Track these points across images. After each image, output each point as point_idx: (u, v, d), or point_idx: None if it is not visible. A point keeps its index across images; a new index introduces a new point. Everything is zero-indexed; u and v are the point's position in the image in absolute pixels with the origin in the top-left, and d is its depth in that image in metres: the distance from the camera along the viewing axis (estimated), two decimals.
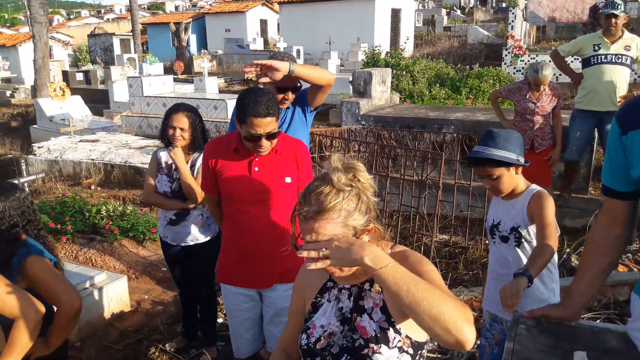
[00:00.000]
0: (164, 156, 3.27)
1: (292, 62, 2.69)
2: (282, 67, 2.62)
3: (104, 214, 5.76)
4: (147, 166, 7.36)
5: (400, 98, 9.66)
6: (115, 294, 4.33)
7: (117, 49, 25.59)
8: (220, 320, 3.91)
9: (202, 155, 2.91)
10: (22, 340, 2.15)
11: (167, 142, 3.16)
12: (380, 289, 1.39)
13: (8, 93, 20.31)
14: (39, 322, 2.17)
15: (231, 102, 9.64)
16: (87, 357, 3.63)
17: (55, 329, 2.36)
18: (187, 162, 3.16)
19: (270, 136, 2.37)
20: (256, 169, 2.47)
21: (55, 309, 2.37)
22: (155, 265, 5.29)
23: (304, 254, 1.35)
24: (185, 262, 3.42)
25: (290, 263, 2.55)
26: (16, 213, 2.35)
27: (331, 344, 1.48)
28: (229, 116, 9.56)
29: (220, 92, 12.03)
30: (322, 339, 1.50)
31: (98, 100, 15.30)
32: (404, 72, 11.69)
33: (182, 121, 3.09)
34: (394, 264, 1.28)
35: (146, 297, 4.74)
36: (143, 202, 4.46)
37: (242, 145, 2.46)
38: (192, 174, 3.16)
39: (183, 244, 3.32)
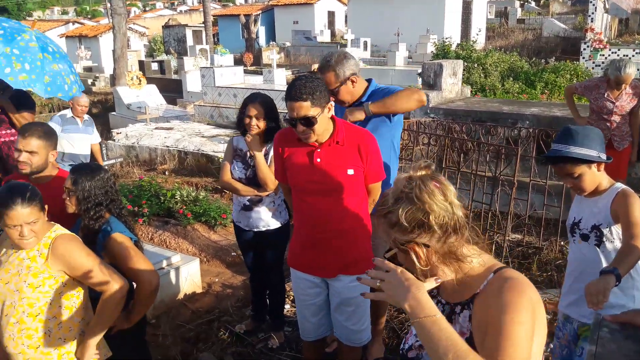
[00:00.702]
0: (240, 143, 3.36)
1: (366, 106, 2.80)
2: (360, 117, 2.74)
3: (178, 198, 6.01)
4: (218, 154, 7.60)
5: (472, 91, 9.41)
6: (188, 275, 4.52)
7: (189, 40, 26.49)
8: (287, 307, 3.99)
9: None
10: (109, 312, 2.29)
11: (243, 130, 3.24)
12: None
13: (90, 81, 21.56)
14: (123, 296, 2.31)
15: None
16: (162, 334, 3.81)
17: (135, 305, 2.50)
18: (261, 151, 3.23)
19: (305, 122, 2.35)
20: (318, 159, 2.47)
21: (134, 285, 2.51)
22: (226, 249, 5.47)
23: (362, 281, 1.37)
24: (257, 248, 3.51)
25: (354, 255, 2.56)
26: (100, 192, 2.50)
27: (419, 356, 1.48)
28: None
29: (288, 83, 12.20)
30: (413, 348, 1.50)
31: (171, 90, 15.91)
32: (476, 65, 11.35)
33: (258, 111, 3.16)
34: (430, 317, 1.23)
35: (216, 280, 4.91)
36: (219, 186, 4.60)
37: None
38: (267, 162, 3.23)
39: (255, 230, 3.40)
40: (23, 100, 4.39)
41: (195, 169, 7.88)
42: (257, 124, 3.18)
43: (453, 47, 12.64)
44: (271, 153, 3.23)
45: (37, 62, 3.76)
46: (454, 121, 5.90)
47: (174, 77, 18.84)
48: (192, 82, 14.30)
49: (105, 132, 10.63)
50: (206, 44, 23.80)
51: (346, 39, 20.67)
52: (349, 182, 2.48)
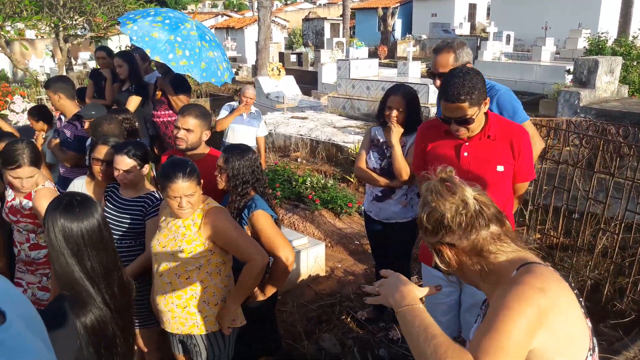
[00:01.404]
0: (378, 134, 3.39)
1: None
2: None
3: (308, 184, 6.24)
4: (348, 145, 7.73)
5: (629, 91, 8.48)
6: (313, 258, 4.68)
7: (327, 33, 27.13)
8: None
9: (414, 136, 2.94)
10: (249, 282, 2.45)
11: (383, 121, 3.26)
12: None
13: (234, 70, 23.06)
14: (263, 268, 2.46)
15: (433, 87, 9.54)
16: (288, 311, 4.00)
17: (270, 279, 2.65)
18: (400, 142, 3.22)
19: (461, 122, 2.25)
20: (465, 154, 2.37)
21: (271, 261, 2.65)
22: (350, 237, 5.56)
23: (365, 289, 1.59)
24: (385, 239, 3.52)
25: None
26: (248, 171, 2.68)
27: None
28: (430, 101, 9.48)
29: (422, 77, 11.97)
30: None
31: (307, 81, 16.48)
32: (635, 63, 10.22)
33: (399, 102, 3.15)
34: (407, 308, 1.37)
35: (339, 265, 5.02)
36: (354, 174, 4.69)
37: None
38: (404, 154, 3.22)
39: (385, 221, 3.42)
40: (180, 84, 4.85)
41: (325, 158, 8.10)
42: (398, 116, 3.17)
43: (609, 43, 11.50)
44: (408, 144, 3.21)
45: (196, 50, 4.12)
46: (608, 122, 5.37)
47: (310, 69, 19.47)
48: (327, 74, 14.66)
49: None
50: (343, 37, 24.22)
51: (487, 32, 19.72)
52: (498, 179, 2.36)
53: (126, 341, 1.83)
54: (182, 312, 2.45)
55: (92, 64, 19.69)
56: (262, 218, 2.58)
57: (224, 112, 5.69)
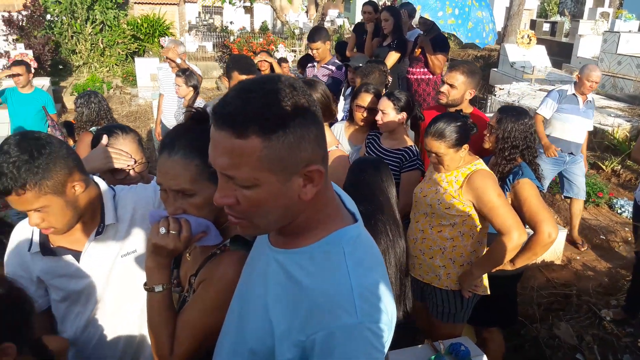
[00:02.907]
0: None
1: None
2: None
3: None
4: (605, 127, 6.87)
5: None
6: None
7: (589, 2, 24.02)
8: None
9: None
10: (499, 254, 2.36)
11: None
12: None
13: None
14: (518, 246, 2.34)
15: None
16: (518, 291, 3.83)
17: (527, 251, 2.52)
18: None
19: None
20: None
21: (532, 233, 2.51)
22: (594, 230, 5.06)
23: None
24: None
25: None
26: (520, 136, 2.56)
27: None
28: None
29: None
30: None
31: (558, 53, 14.94)
32: None
33: None
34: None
35: (577, 257, 4.60)
36: (632, 159, 4.18)
37: None
38: None
39: None
40: (441, 43, 4.83)
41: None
42: None
43: None
44: None
45: (465, 9, 4.04)
46: None
47: (564, 40, 17.58)
48: (585, 48, 13.07)
49: (485, 86, 10.86)
50: (609, 7, 21.17)
51: None
52: None
53: None
54: (428, 261, 2.52)
55: (340, 22, 20.93)
56: (528, 187, 2.47)
57: (550, 101, 4.56)
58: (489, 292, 2.52)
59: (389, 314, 0.96)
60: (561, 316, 3.44)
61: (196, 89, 4.71)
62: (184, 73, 4.70)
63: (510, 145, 2.56)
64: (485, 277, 2.52)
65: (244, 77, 3.17)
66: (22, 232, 1.61)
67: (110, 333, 1.65)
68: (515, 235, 2.29)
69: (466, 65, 3.06)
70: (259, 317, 1.03)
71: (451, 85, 2.98)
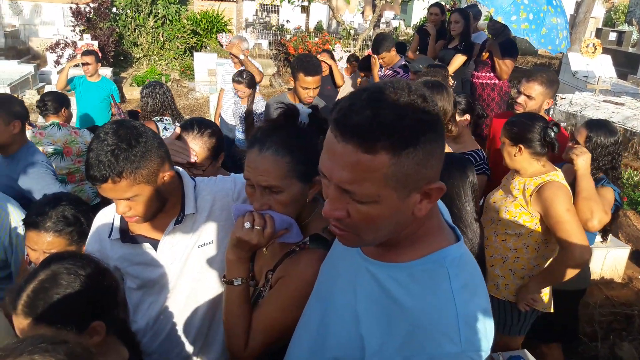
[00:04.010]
0: None
1: None
2: None
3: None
4: None
5: None
6: (612, 259, 4.20)
7: None
8: None
9: None
10: (558, 271, 2.25)
11: None
12: None
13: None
14: (579, 265, 2.20)
15: None
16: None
17: (553, 268, 2.34)
18: None
19: None
20: None
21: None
22: None
23: None
24: None
25: None
26: (607, 158, 2.51)
27: None
28: None
29: None
30: None
31: (624, 64, 14.31)
32: None
33: None
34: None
35: (639, 277, 4.40)
36: None
37: None
38: None
39: None
40: (510, 47, 4.68)
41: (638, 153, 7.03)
42: None
43: None
44: None
45: (540, 14, 3.91)
46: None
47: (631, 50, 16.81)
48: None
49: None
50: None
51: None
52: None
53: None
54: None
55: (395, 24, 20.75)
56: (610, 195, 2.43)
57: None
58: (552, 310, 2.44)
59: (489, 340, 0.92)
60: (623, 336, 3.30)
61: (254, 88, 4.73)
62: (243, 78, 4.63)
63: (595, 166, 2.47)
64: (548, 293, 2.44)
65: (309, 78, 3.17)
66: (104, 218, 1.63)
67: (181, 324, 1.64)
68: (576, 253, 2.17)
69: (544, 74, 2.95)
70: (346, 328, 0.99)
71: (529, 97, 2.89)
